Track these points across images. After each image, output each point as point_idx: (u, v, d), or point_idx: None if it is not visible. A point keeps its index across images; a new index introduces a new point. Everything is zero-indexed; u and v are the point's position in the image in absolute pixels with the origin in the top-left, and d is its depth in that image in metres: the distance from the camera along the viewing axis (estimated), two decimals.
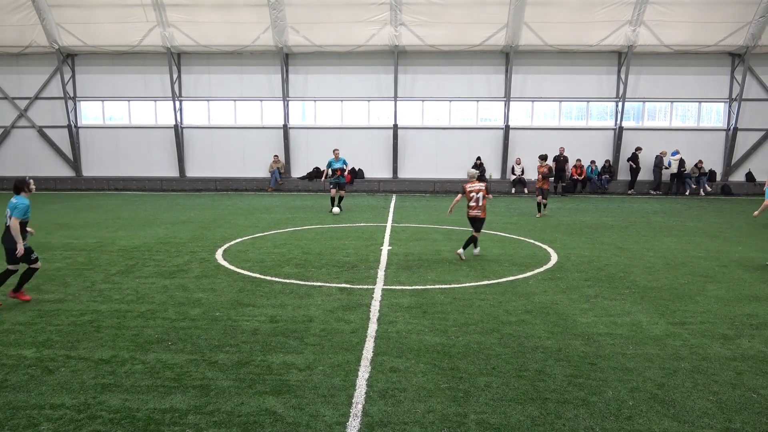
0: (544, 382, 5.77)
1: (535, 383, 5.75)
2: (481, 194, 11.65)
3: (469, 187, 11.70)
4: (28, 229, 8.44)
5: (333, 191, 18.59)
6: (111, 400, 5.36)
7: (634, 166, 26.03)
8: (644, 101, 26.69)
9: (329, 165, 18.43)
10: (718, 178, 26.68)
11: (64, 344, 6.77)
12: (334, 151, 18.69)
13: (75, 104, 27.32)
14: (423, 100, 26.90)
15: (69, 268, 10.66)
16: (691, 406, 5.31)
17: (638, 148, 25.94)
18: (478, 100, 26.88)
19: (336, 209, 18.22)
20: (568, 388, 5.66)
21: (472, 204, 11.63)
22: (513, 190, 26.09)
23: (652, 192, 26.00)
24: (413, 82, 26.59)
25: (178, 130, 27.01)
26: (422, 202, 22.55)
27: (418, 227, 15.80)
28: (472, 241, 11.62)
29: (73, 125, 27.09)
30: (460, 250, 11.49)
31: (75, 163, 27.43)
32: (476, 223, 11.71)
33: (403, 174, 27.18)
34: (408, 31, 24.77)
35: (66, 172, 27.69)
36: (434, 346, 6.73)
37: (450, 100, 26.89)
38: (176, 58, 26.67)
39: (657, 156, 25.74)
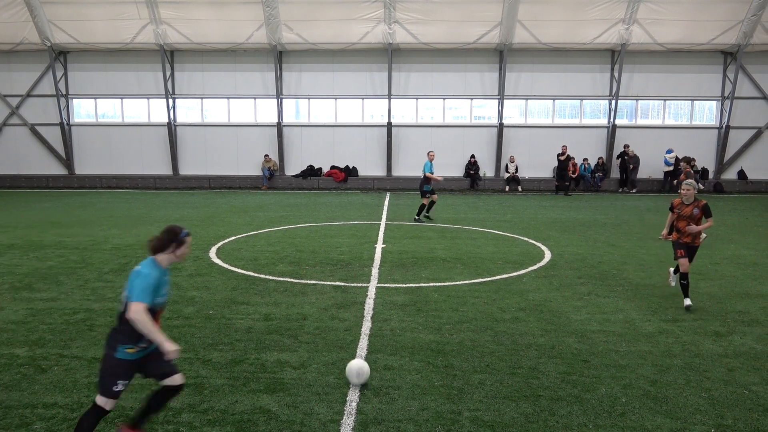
0: (538, 380, 5.79)
1: (528, 380, 5.77)
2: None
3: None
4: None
5: (426, 200, 16.28)
6: None
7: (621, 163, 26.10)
8: (637, 99, 26.79)
9: (429, 169, 15.99)
10: (711, 176, 26.82)
11: (56, 343, 6.74)
12: (429, 153, 16.60)
13: (67, 102, 27.14)
14: (417, 98, 26.90)
15: (62, 266, 10.61)
16: (683, 402, 5.34)
17: (626, 146, 25.98)
18: (472, 98, 26.91)
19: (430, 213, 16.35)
20: (561, 385, 5.69)
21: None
22: (507, 188, 26.14)
23: (634, 191, 26.02)
24: (407, 79, 26.57)
25: (171, 128, 26.89)
26: (416, 200, 22.51)
27: (412, 225, 15.81)
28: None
29: (65, 123, 26.92)
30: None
31: (67, 161, 27.26)
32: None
33: (397, 172, 27.17)
34: (402, 29, 24.74)
35: (58, 170, 27.52)
36: (428, 344, 6.74)
37: (444, 98, 26.90)
38: (169, 56, 26.54)
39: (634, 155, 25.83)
